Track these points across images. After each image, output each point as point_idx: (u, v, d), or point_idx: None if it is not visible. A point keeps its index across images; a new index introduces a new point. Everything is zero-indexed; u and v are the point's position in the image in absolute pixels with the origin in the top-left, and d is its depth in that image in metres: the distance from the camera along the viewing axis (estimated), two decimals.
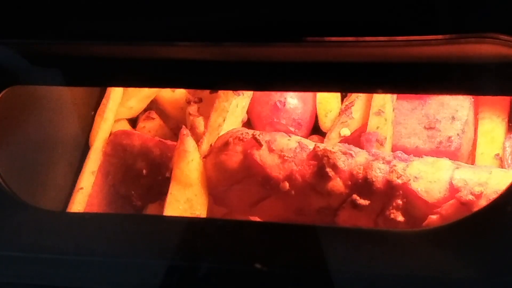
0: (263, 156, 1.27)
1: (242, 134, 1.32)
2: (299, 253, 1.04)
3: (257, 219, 1.32)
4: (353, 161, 1.23)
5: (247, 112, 1.50)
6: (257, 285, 1.05)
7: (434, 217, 1.16)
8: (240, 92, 1.42)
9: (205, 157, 1.36)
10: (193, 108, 1.49)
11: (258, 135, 1.29)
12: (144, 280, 1.07)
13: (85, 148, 1.56)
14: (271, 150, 1.27)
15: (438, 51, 0.93)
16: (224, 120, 1.41)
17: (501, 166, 1.35)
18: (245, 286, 1.06)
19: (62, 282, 1.08)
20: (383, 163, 1.21)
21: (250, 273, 1.04)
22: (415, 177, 1.18)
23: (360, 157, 1.23)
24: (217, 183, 1.33)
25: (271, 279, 1.04)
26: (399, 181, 1.18)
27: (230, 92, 1.41)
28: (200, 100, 1.50)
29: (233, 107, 1.42)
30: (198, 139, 1.41)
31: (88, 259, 1.09)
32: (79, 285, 1.09)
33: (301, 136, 1.36)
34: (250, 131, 1.32)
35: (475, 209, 1.13)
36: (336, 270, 1.01)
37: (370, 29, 0.92)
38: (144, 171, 1.46)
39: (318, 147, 1.25)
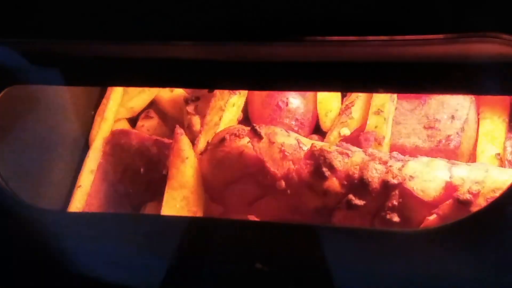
0: (263, 149, 1.27)
1: (238, 130, 1.32)
2: (299, 253, 1.04)
3: (254, 218, 1.32)
4: (349, 161, 1.23)
5: (248, 113, 1.51)
6: (257, 285, 1.05)
7: (431, 218, 1.16)
8: (236, 91, 1.43)
9: (201, 154, 1.36)
10: (190, 107, 1.49)
11: (259, 128, 1.30)
12: (144, 280, 1.07)
13: (85, 148, 1.57)
14: (271, 143, 1.27)
15: (439, 50, 0.93)
16: (220, 119, 1.41)
17: (501, 165, 1.35)
18: (245, 286, 1.06)
19: (62, 282, 1.08)
20: (379, 163, 1.21)
21: (250, 273, 1.04)
22: (411, 177, 1.19)
23: (357, 157, 1.23)
24: (213, 180, 1.33)
25: (271, 279, 1.04)
26: (395, 181, 1.18)
27: (226, 91, 1.42)
28: (197, 99, 1.50)
29: (229, 106, 1.43)
30: (195, 137, 1.41)
31: (89, 259, 1.09)
32: (79, 285, 1.08)
33: (302, 136, 1.36)
34: (247, 128, 1.33)
35: (473, 207, 1.14)
36: (336, 270, 1.01)
37: (371, 28, 0.92)
38: (142, 170, 1.46)
39: (315, 146, 1.25)
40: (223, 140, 1.32)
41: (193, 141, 1.40)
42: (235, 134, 1.31)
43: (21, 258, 1.10)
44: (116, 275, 1.08)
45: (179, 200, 1.31)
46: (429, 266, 1.00)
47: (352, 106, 1.45)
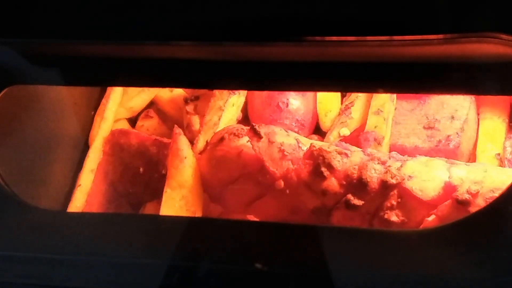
0: (262, 149, 1.27)
1: (237, 130, 1.32)
2: (299, 253, 1.04)
3: (253, 217, 1.32)
4: (348, 161, 1.23)
5: (248, 113, 1.51)
6: (257, 285, 1.05)
7: (430, 219, 1.16)
8: (236, 90, 1.43)
9: (200, 153, 1.36)
10: (190, 107, 1.49)
11: (258, 127, 1.30)
12: (144, 280, 1.07)
13: (85, 148, 1.57)
14: (270, 143, 1.27)
15: (439, 50, 0.93)
16: (219, 119, 1.41)
17: (501, 165, 1.35)
18: (245, 286, 1.06)
19: (62, 282, 1.08)
20: (378, 163, 1.21)
21: (250, 273, 1.04)
22: (409, 176, 1.19)
23: (355, 157, 1.23)
24: (212, 179, 1.33)
25: (271, 279, 1.04)
26: (394, 181, 1.18)
27: (225, 90, 1.42)
28: (197, 98, 1.51)
29: (229, 106, 1.43)
30: (194, 137, 1.41)
31: (88, 259, 1.08)
32: (79, 285, 1.08)
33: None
34: (246, 128, 1.33)
35: (472, 207, 1.14)
36: (336, 270, 1.00)
37: (370, 28, 0.92)
38: (141, 169, 1.46)
39: (314, 146, 1.25)
40: (222, 139, 1.32)
41: (192, 140, 1.40)
42: (234, 133, 1.31)
43: (21, 258, 1.10)
44: (116, 275, 1.08)
45: (178, 200, 1.31)
46: (429, 266, 0.99)
47: (352, 106, 1.45)
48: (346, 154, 1.23)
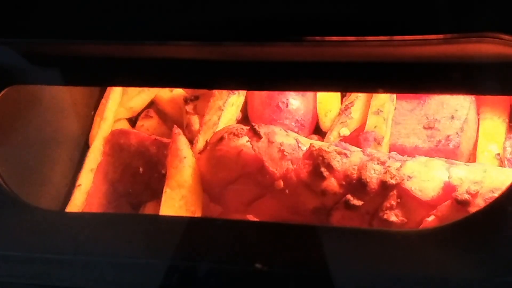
0: (262, 149, 1.27)
1: (237, 130, 1.32)
2: (299, 253, 1.04)
3: (253, 217, 1.32)
4: (348, 161, 1.23)
5: (248, 113, 1.50)
6: (257, 285, 1.05)
7: (429, 219, 1.16)
8: (235, 90, 1.43)
9: (200, 153, 1.36)
10: (189, 106, 1.49)
11: (258, 127, 1.30)
12: (144, 280, 1.07)
13: (85, 148, 1.57)
14: (270, 142, 1.27)
15: (438, 50, 0.93)
16: (219, 119, 1.41)
17: (501, 166, 1.35)
18: (245, 286, 1.06)
19: (62, 282, 1.08)
20: (378, 163, 1.21)
21: (250, 273, 1.04)
22: (409, 177, 1.19)
23: (355, 157, 1.23)
24: (212, 179, 1.33)
25: (271, 279, 1.04)
26: (393, 181, 1.18)
27: (225, 90, 1.42)
28: (196, 98, 1.50)
29: (228, 106, 1.42)
30: (194, 137, 1.41)
31: (88, 259, 1.08)
32: (79, 285, 1.08)
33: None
34: (246, 127, 1.33)
35: (471, 208, 1.14)
36: (336, 270, 1.00)
37: (370, 28, 0.92)
38: (141, 169, 1.46)
39: (314, 146, 1.25)
40: (221, 139, 1.32)
41: (192, 140, 1.39)
42: (234, 133, 1.31)
43: (21, 258, 1.10)
44: (116, 275, 1.08)
45: (177, 200, 1.31)
46: (429, 266, 0.99)
47: (352, 106, 1.45)
48: (345, 154, 1.23)
